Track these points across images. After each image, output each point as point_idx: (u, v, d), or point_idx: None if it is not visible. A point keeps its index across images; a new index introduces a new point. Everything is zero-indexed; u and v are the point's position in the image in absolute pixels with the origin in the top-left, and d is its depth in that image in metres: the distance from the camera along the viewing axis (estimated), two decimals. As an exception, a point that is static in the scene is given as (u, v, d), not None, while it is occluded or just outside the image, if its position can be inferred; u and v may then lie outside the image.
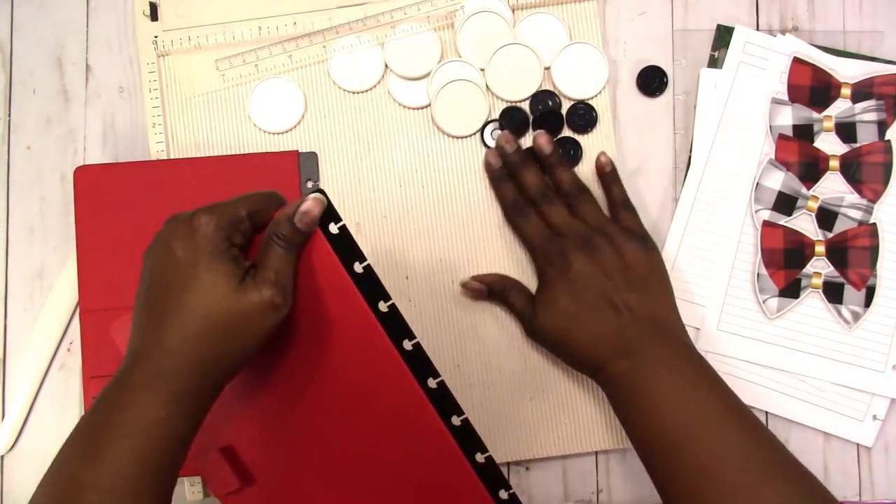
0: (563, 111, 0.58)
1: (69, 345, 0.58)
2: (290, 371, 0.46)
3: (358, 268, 0.43)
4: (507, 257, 0.57)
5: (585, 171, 0.58)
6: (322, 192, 0.43)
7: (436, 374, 0.44)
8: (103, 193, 0.56)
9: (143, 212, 0.55)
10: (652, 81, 0.59)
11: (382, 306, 0.44)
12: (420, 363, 0.44)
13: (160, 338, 0.39)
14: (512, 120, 0.58)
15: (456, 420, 0.45)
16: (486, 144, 0.58)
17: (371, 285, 0.43)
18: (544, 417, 0.56)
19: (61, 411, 0.57)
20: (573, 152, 0.58)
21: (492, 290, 0.55)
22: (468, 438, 0.45)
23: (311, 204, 0.42)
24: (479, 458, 0.45)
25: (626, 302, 0.50)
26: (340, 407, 0.46)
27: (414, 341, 0.44)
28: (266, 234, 0.42)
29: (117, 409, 0.39)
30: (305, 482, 0.47)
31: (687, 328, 0.57)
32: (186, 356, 0.39)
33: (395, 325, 0.44)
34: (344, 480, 0.47)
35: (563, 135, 0.58)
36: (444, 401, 0.45)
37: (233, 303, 0.39)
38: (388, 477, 0.46)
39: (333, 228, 0.43)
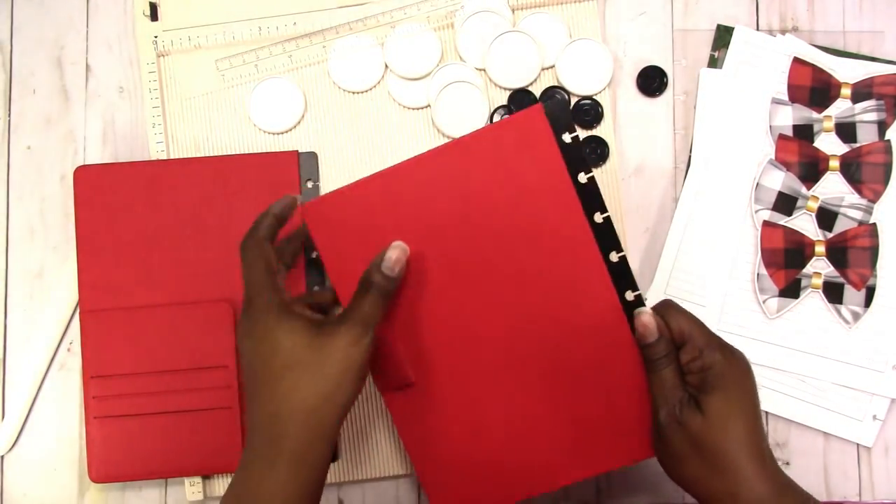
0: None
1: (69, 345, 0.58)
2: (480, 264, 0.47)
3: (583, 178, 0.45)
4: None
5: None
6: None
7: (635, 287, 0.46)
8: (103, 193, 0.56)
9: (143, 212, 0.56)
10: (652, 81, 0.59)
11: (598, 217, 0.45)
12: (624, 277, 0.46)
13: (263, 407, 0.42)
14: (521, 104, 0.58)
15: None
16: None
17: (592, 197, 0.45)
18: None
19: (61, 411, 0.57)
20: (599, 151, 0.58)
21: (656, 343, 0.45)
22: None
23: (397, 253, 0.44)
24: None
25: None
26: (531, 309, 0.47)
27: (621, 254, 0.46)
28: (361, 278, 0.44)
29: (245, 487, 0.42)
30: (479, 381, 0.48)
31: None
32: (287, 412, 0.42)
33: (607, 237, 0.45)
34: (521, 383, 0.47)
35: (591, 133, 0.58)
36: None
37: (312, 347, 0.42)
38: (566, 378, 0.47)
39: (567, 137, 0.45)
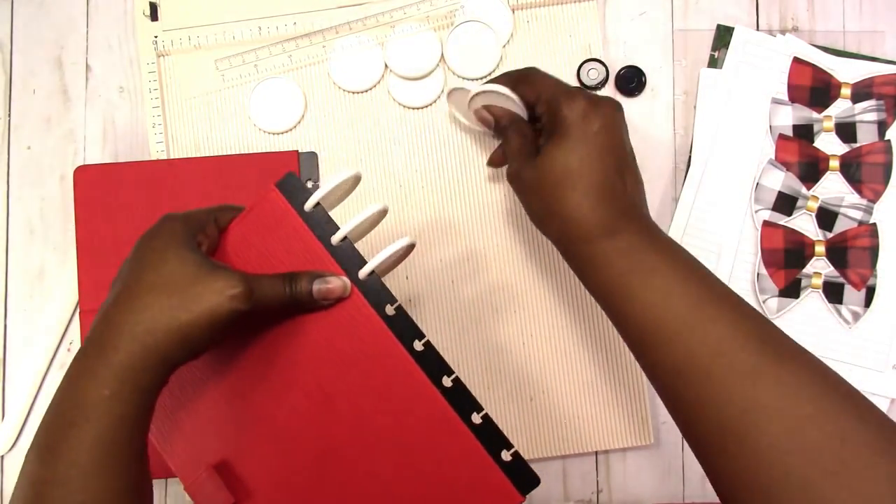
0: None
1: (69, 345, 0.58)
2: (292, 379, 0.45)
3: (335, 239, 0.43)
4: (506, 257, 0.57)
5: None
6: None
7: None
8: (103, 193, 0.56)
9: (142, 212, 0.55)
10: (629, 81, 0.59)
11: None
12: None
13: (108, 315, 0.39)
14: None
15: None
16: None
17: (350, 258, 0.43)
18: (544, 417, 0.56)
19: (61, 411, 0.57)
20: None
21: (498, 123, 0.51)
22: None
23: (339, 288, 0.42)
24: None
25: (632, 175, 0.47)
26: (346, 412, 0.45)
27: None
28: (288, 272, 0.42)
29: (62, 398, 0.38)
30: (307, 491, 0.46)
31: (687, 328, 0.58)
32: (129, 326, 0.38)
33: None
34: (348, 489, 0.45)
35: None
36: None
37: (190, 277, 0.39)
38: (395, 483, 0.45)
39: (307, 207, 0.43)
